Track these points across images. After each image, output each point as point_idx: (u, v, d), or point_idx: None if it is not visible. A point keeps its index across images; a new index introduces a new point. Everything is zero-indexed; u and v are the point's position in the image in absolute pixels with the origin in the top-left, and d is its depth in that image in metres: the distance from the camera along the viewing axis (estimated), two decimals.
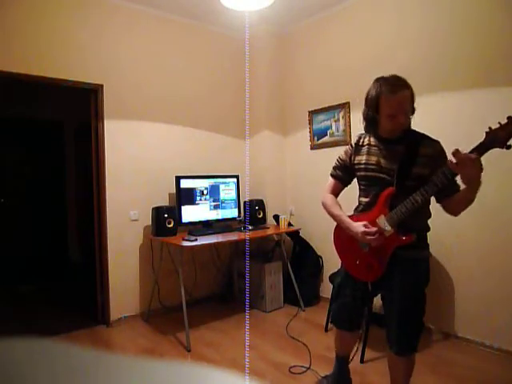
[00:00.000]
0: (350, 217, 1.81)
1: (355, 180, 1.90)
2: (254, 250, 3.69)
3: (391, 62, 3.07)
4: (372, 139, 1.78)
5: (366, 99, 1.74)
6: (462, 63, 2.66)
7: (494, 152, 2.55)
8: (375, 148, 1.75)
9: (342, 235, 1.86)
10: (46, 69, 2.88)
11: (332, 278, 2.91)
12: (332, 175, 1.93)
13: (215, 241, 3.18)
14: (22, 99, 4.72)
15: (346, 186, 1.93)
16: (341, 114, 3.46)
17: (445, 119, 2.77)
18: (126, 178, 3.27)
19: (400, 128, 1.66)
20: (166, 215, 3.17)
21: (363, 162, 1.77)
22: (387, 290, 1.75)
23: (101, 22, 3.15)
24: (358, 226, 1.69)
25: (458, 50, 2.68)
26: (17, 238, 5.01)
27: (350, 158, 1.84)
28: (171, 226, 3.19)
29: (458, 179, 1.50)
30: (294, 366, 2.41)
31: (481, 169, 1.40)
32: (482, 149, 1.42)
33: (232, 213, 3.73)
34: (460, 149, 1.41)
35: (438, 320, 2.80)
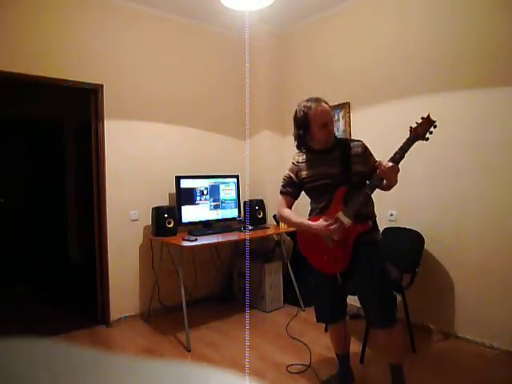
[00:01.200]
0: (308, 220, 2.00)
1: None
2: (253, 249, 3.69)
3: (391, 62, 3.07)
4: (309, 155, 2.01)
5: (296, 120, 1.96)
6: (464, 63, 2.66)
7: (496, 153, 2.56)
8: (314, 161, 1.99)
9: (306, 237, 2.02)
10: (46, 69, 2.88)
11: None
12: (282, 192, 2.09)
13: (215, 241, 3.18)
14: (22, 99, 4.72)
15: (296, 199, 2.10)
16: (341, 114, 3.46)
17: (446, 119, 2.76)
18: (125, 178, 3.27)
19: (330, 136, 1.94)
20: (165, 215, 3.17)
21: (309, 175, 1.99)
22: (357, 273, 1.93)
23: (101, 22, 3.15)
24: (320, 222, 1.89)
25: (459, 50, 2.68)
26: (17, 238, 5.01)
27: (297, 175, 2.04)
28: (171, 226, 3.19)
29: None
30: (292, 365, 2.42)
31: (397, 172, 1.81)
32: (409, 144, 1.81)
33: (232, 213, 3.72)
34: (381, 160, 1.83)
35: (438, 320, 2.80)
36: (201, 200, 3.50)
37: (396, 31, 3.05)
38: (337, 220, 1.85)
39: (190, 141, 3.69)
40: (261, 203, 3.74)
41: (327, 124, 1.89)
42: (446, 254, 2.77)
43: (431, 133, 1.80)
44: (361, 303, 1.97)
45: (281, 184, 2.10)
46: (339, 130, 3.48)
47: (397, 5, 3.03)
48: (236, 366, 2.47)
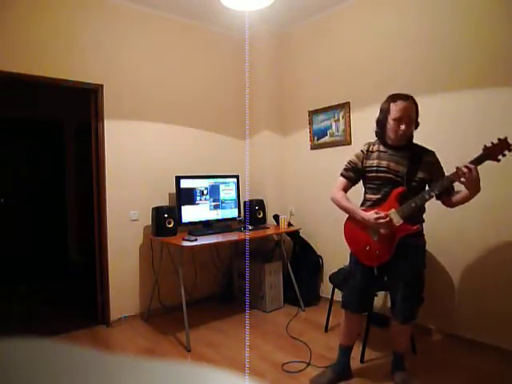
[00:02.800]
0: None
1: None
2: (253, 249, 3.69)
3: (391, 62, 3.07)
4: (381, 147, 2.10)
5: (381, 109, 2.09)
6: (463, 63, 2.66)
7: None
8: (384, 153, 2.07)
9: (354, 226, 2.12)
10: (46, 69, 2.88)
11: (332, 278, 2.91)
12: (343, 175, 2.20)
13: (215, 241, 3.18)
14: (22, 99, 4.71)
15: (354, 185, 2.20)
16: (341, 114, 3.46)
17: (445, 119, 2.76)
18: (126, 177, 3.27)
19: (402, 136, 1.99)
20: (166, 215, 3.17)
21: (375, 165, 2.07)
22: (393, 272, 2.06)
23: (101, 23, 3.14)
24: (371, 214, 1.98)
25: (458, 50, 2.68)
26: (17, 237, 5.01)
27: (362, 162, 2.13)
28: (171, 226, 3.19)
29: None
30: (288, 363, 2.43)
31: (478, 177, 1.80)
32: (479, 161, 1.83)
33: (232, 213, 3.72)
34: (461, 166, 1.82)
35: (438, 320, 2.80)
36: (201, 200, 3.50)
37: (396, 31, 3.04)
38: (387, 216, 1.93)
39: (190, 141, 3.69)
40: (261, 203, 3.74)
41: (401, 119, 1.94)
42: (446, 254, 2.77)
43: (504, 155, 1.81)
44: (390, 297, 2.14)
45: (343, 167, 2.20)
46: (339, 129, 3.48)
47: (396, 5, 3.03)
48: (236, 366, 2.47)
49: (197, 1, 3.30)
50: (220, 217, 3.63)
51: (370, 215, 1.97)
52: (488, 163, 2.56)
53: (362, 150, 2.16)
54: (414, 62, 2.92)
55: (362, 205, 2.15)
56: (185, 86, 3.66)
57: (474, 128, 2.61)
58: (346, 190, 2.19)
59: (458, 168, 1.82)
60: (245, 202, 3.74)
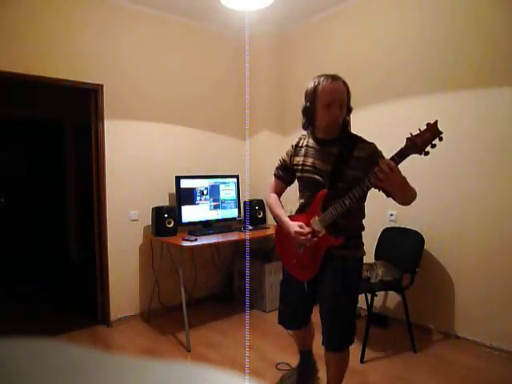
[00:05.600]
0: (289, 217, 1.84)
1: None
2: (254, 249, 3.69)
3: (391, 62, 3.07)
4: (310, 141, 1.80)
5: (305, 93, 1.76)
6: (463, 63, 2.66)
7: (495, 153, 2.55)
8: (312, 149, 1.77)
9: (282, 234, 1.87)
10: (46, 69, 2.88)
11: None
12: (275, 175, 1.97)
13: (215, 241, 3.18)
14: (22, 99, 4.71)
15: (289, 185, 1.96)
16: None
17: (445, 119, 2.76)
18: (126, 177, 3.27)
19: (335, 122, 1.67)
20: (166, 215, 3.17)
21: (300, 163, 1.79)
22: (321, 286, 1.77)
23: (101, 22, 3.14)
24: (293, 226, 1.72)
25: (458, 50, 2.68)
26: (17, 237, 5.01)
27: (290, 159, 1.86)
28: (171, 225, 3.19)
29: None
30: (281, 363, 2.43)
31: (400, 174, 1.44)
32: (401, 155, 1.44)
33: (232, 213, 3.72)
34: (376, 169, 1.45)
35: (438, 320, 2.80)
36: (201, 200, 3.50)
37: (395, 31, 3.04)
38: (310, 229, 1.69)
39: (190, 141, 3.69)
40: (261, 203, 3.74)
41: (332, 105, 1.64)
42: (446, 254, 2.77)
43: (434, 146, 1.41)
44: (320, 316, 1.81)
45: (275, 166, 1.97)
46: None
47: (396, 5, 3.03)
48: (236, 366, 2.47)
49: (197, 1, 3.29)
50: (220, 217, 3.63)
51: (293, 227, 1.71)
52: (491, 164, 2.57)
53: (292, 145, 1.87)
54: (414, 62, 2.92)
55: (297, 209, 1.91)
56: (184, 85, 3.66)
57: (473, 127, 2.61)
58: (279, 191, 1.96)
59: (375, 171, 1.44)
60: (245, 202, 3.74)
